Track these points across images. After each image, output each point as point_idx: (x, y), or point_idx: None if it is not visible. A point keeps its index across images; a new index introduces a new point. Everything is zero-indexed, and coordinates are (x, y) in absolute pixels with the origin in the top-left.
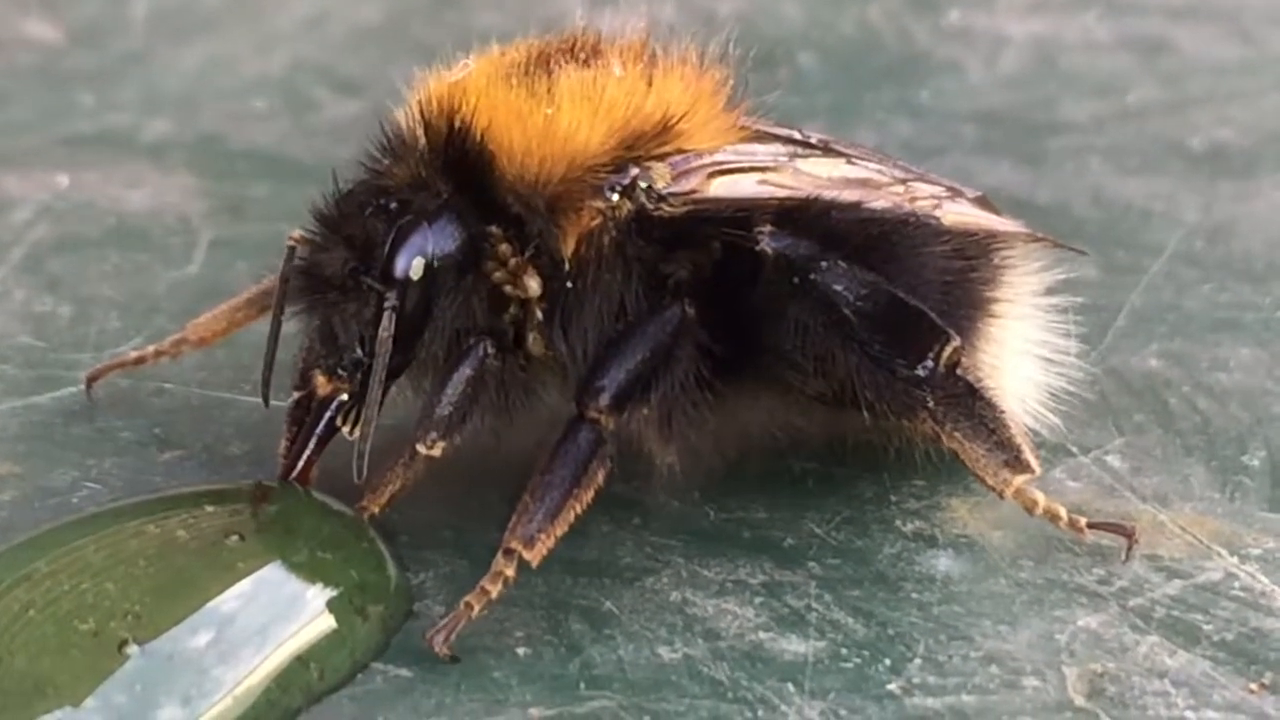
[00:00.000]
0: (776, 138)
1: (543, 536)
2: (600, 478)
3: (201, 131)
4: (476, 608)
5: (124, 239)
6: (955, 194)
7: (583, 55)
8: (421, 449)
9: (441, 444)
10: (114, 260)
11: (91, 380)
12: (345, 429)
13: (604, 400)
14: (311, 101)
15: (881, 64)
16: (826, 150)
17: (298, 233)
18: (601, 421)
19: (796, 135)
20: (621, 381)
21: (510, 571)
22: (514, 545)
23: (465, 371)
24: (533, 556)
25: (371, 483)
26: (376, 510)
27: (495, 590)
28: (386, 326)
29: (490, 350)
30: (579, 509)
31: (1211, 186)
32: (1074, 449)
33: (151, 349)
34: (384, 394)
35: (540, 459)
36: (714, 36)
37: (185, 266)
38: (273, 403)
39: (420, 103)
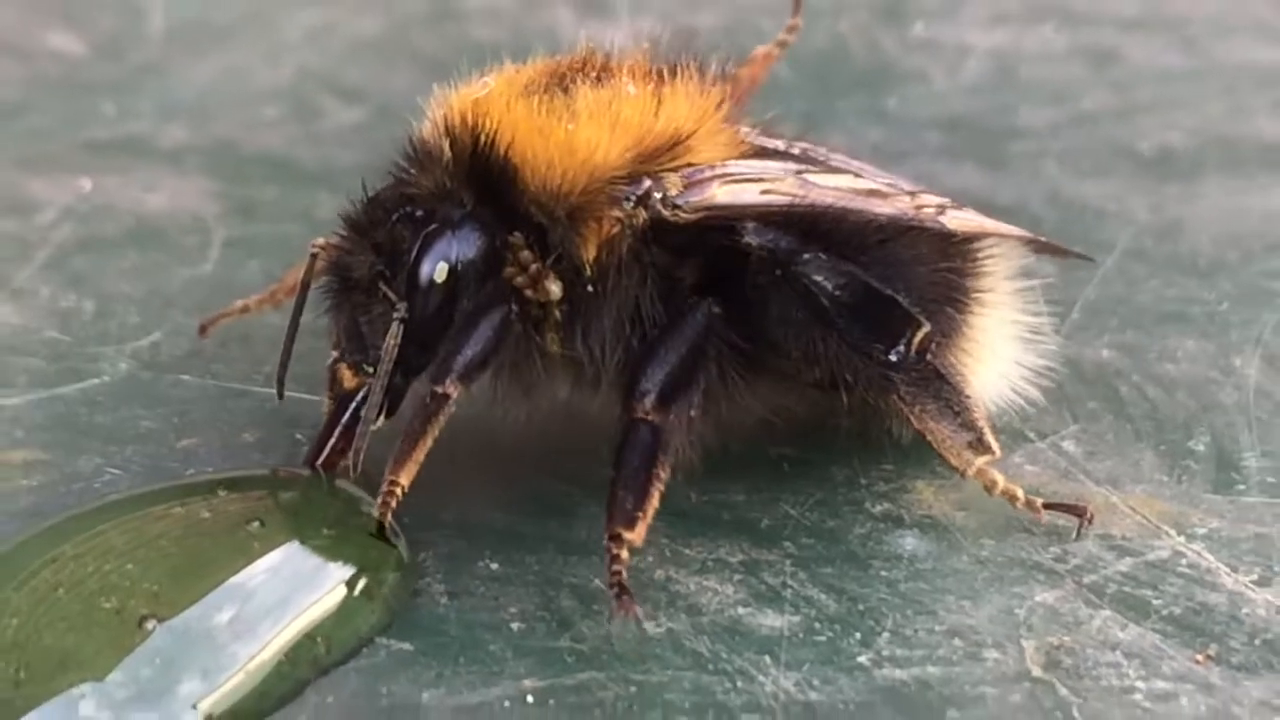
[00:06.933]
0: (781, 153)
1: (640, 515)
2: (672, 458)
3: (215, 138)
4: (624, 572)
5: (143, 239)
6: (958, 204)
7: (594, 73)
8: (438, 388)
9: (458, 385)
10: (133, 259)
11: (204, 329)
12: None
13: (649, 401)
14: (317, 109)
15: (851, 73)
16: (832, 169)
17: (322, 240)
18: (652, 419)
19: (795, 149)
20: (662, 381)
21: (624, 553)
22: (618, 531)
23: (487, 323)
24: (635, 536)
25: (396, 455)
26: (406, 483)
27: (623, 570)
28: (395, 334)
29: (514, 309)
30: (661, 488)
31: (1159, 188)
32: (1032, 435)
33: (254, 299)
34: (405, 391)
35: (611, 463)
36: (698, 48)
37: (200, 265)
38: (287, 394)
39: (445, 118)
